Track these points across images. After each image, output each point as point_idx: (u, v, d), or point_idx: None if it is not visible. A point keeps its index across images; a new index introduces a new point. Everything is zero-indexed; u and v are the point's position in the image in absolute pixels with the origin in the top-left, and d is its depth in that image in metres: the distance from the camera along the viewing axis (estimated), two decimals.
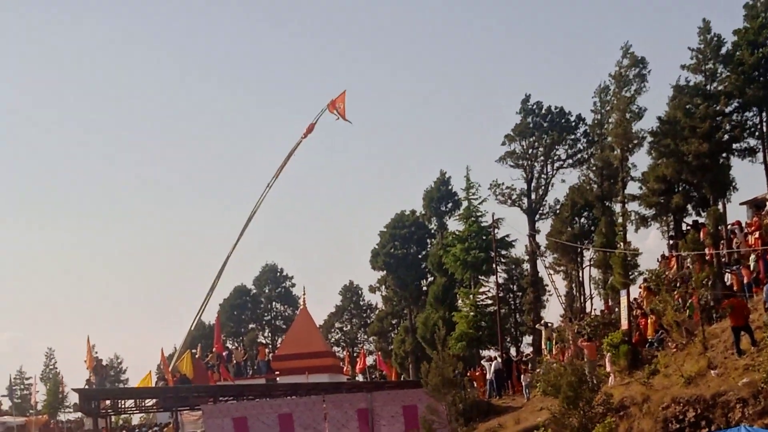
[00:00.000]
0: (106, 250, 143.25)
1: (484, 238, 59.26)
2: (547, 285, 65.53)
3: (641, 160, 74.79)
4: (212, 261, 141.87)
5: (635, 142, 42.87)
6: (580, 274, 62.51)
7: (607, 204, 54.85)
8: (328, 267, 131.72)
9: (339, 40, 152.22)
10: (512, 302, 73.25)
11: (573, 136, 62.75)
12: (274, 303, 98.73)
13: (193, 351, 56.93)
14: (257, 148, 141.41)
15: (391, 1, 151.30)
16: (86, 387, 48.72)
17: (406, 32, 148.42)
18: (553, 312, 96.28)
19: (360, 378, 65.51)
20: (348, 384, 52.10)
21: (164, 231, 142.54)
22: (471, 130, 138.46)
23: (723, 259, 37.60)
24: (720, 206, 43.13)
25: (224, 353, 56.09)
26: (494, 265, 56.27)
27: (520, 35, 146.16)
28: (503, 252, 63.21)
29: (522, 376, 43.49)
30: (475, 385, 46.28)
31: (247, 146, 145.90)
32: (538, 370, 41.52)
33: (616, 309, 42.53)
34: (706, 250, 36.99)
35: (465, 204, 62.67)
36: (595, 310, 52.71)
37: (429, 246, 75.38)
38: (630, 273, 46.30)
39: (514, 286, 73.67)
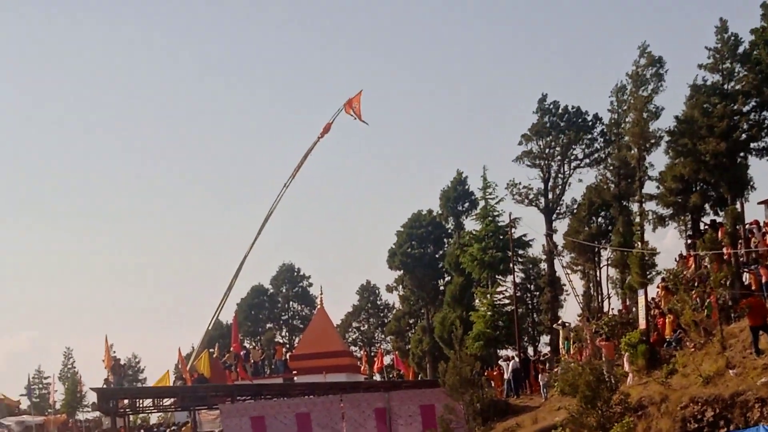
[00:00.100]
0: (125, 251, 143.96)
1: (501, 237, 59.18)
2: (565, 284, 65.42)
3: (658, 160, 74.43)
4: (230, 261, 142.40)
5: (652, 141, 42.82)
6: (598, 274, 62.40)
7: (624, 203, 54.67)
8: (345, 266, 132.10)
9: (356, 40, 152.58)
10: (529, 302, 73.20)
11: (590, 136, 62.53)
12: (291, 302, 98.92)
13: (211, 350, 57.11)
14: (274, 148, 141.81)
15: (407, 3, 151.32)
16: (104, 386, 48.88)
17: (422, 32, 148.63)
18: (570, 311, 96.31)
19: (377, 377, 65.57)
20: (365, 383, 52.15)
21: (183, 231, 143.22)
22: (488, 129, 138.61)
23: (741, 259, 37.54)
24: (738, 205, 43.02)
25: (242, 353, 56.13)
26: (511, 265, 56.18)
27: (537, 35, 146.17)
28: (520, 251, 63.15)
29: (539, 376, 43.51)
30: (493, 384, 46.33)
31: (264, 146, 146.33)
32: (555, 370, 41.58)
33: (634, 308, 42.47)
34: (724, 250, 36.96)
35: (482, 203, 62.60)
36: (612, 309, 52.61)
37: (446, 245, 75.30)
38: (648, 272, 46.16)
39: (532, 286, 73.59)
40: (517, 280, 61.80)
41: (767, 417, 26.89)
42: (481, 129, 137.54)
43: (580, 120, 62.78)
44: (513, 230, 56.22)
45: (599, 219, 61.79)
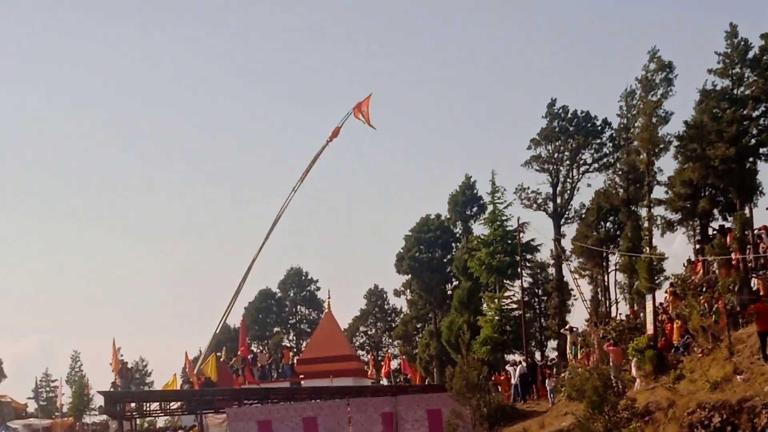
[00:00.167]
0: (133, 253, 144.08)
1: (509, 242, 59.10)
2: (573, 289, 65.26)
3: (667, 165, 74.69)
4: (238, 264, 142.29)
5: (661, 146, 42.75)
6: (606, 279, 62.26)
7: (632, 208, 54.58)
8: (353, 271, 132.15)
9: (366, 44, 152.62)
10: (537, 306, 73.12)
11: (599, 140, 62.56)
12: (298, 306, 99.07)
13: (218, 354, 57.05)
14: (283, 151, 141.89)
15: (417, 5, 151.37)
16: (111, 389, 48.88)
17: (432, 36, 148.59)
18: (578, 316, 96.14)
19: (384, 382, 65.52)
20: (372, 388, 52.10)
21: (191, 234, 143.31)
22: (496, 134, 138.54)
23: (749, 264, 37.42)
24: (746, 211, 42.87)
25: (249, 356, 56.10)
26: (519, 270, 56.12)
27: (547, 39, 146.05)
28: (528, 256, 63.08)
29: (547, 381, 43.42)
30: (500, 389, 46.27)
31: (273, 150, 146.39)
32: (563, 375, 41.47)
33: (642, 314, 42.33)
34: (733, 255, 36.86)
35: (490, 208, 62.52)
36: (620, 314, 52.55)
37: (454, 250, 75.29)
38: (656, 278, 45.98)
39: (539, 291, 73.54)
40: (525, 285, 61.72)
41: None
42: (490, 133, 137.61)
43: (589, 125, 62.78)
44: (521, 235, 56.20)
45: (607, 224, 61.67)
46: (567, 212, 63.49)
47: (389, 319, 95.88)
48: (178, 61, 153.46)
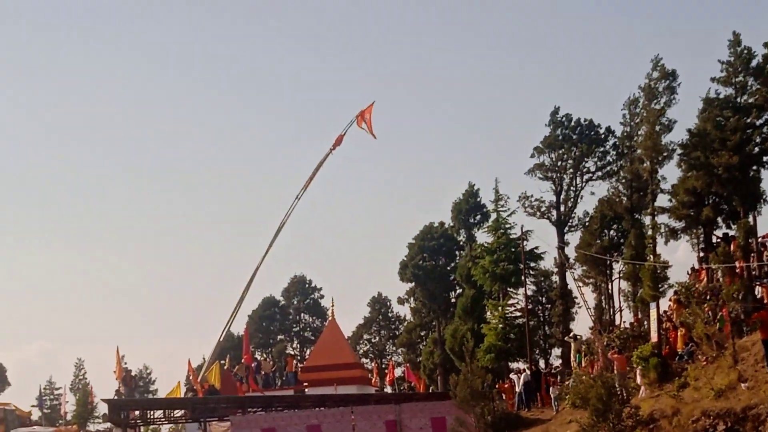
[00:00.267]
0: (136, 262, 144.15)
1: (512, 250, 58.99)
2: (576, 297, 65.30)
3: (671, 173, 74.43)
4: (241, 272, 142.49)
5: (665, 154, 42.91)
6: (610, 287, 62.26)
7: (636, 216, 54.65)
8: (356, 278, 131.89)
9: (369, 52, 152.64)
10: (541, 314, 73.02)
11: (602, 149, 62.54)
12: (302, 314, 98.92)
13: (222, 362, 57.05)
14: (286, 159, 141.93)
15: (419, 15, 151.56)
16: (115, 397, 48.94)
17: (435, 44, 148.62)
18: (582, 324, 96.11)
19: (388, 390, 65.48)
20: (376, 395, 52.01)
21: (195, 243, 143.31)
22: (500, 142, 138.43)
23: (753, 272, 37.41)
24: (750, 219, 42.94)
25: (253, 364, 56.14)
26: (523, 278, 56.01)
27: (550, 47, 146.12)
28: (532, 264, 62.97)
29: (551, 389, 43.37)
30: (504, 397, 46.21)
31: (276, 158, 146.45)
32: (567, 383, 41.45)
33: (646, 321, 42.36)
34: (737, 263, 36.85)
35: (494, 216, 62.35)
36: (624, 322, 52.50)
37: (458, 258, 75.28)
38: (660, 285, 46.12)
39: (543, 299, 73.53)
40: (529, 293, 61.76)
41: None
42: (494, 141, 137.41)
43: (592, 133, 62.80)
44: (525, 243, 56.12)
45: (611, 232, 61.67)
46: (570, 220, 63.51)
47: (393, 326, 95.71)
48: (180, 67, 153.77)
